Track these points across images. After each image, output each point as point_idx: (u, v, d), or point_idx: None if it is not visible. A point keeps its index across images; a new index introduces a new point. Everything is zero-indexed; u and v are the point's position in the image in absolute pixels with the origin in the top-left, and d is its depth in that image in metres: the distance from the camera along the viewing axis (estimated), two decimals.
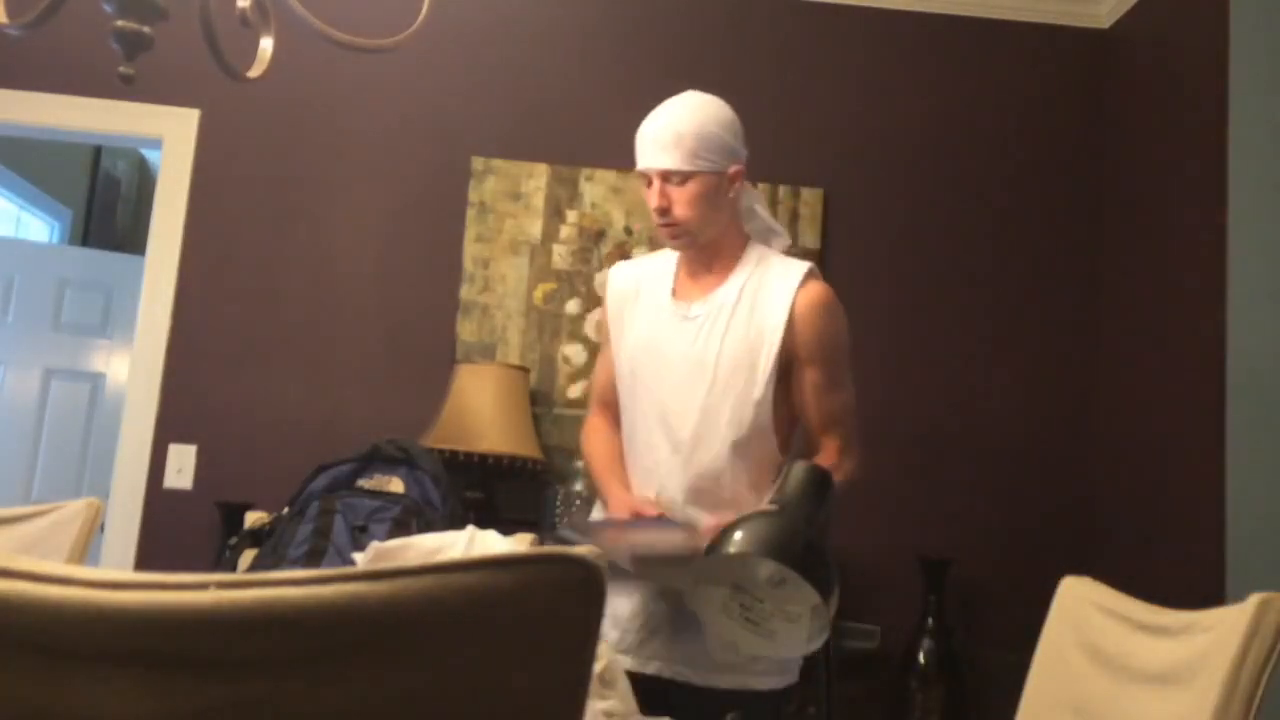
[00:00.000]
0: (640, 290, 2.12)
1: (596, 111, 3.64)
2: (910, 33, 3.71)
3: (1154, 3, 3.45)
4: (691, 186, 1.97)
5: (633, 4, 3.70)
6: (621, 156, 3.71)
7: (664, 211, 1.98)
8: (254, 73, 1.92)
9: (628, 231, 3.57)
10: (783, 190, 3.61)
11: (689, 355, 2.01)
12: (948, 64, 3.72)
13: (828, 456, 2.03)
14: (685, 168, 1.96)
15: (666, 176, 1.97)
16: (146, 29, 1.65)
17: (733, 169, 2.01)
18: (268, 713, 0.69)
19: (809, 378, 2.02)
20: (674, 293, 2.08)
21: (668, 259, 2.15)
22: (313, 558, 1.68)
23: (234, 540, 1.79)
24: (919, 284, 3.63)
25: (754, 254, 2.07)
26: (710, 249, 2.05)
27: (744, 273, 2.04)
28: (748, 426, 1.99)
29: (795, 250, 3.59)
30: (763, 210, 2.17)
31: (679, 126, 1.98)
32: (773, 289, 2.01)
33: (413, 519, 1.74)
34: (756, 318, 2.00)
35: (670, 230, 2.00)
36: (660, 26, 3.70)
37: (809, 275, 2.02)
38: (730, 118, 2.05)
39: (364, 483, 1.80)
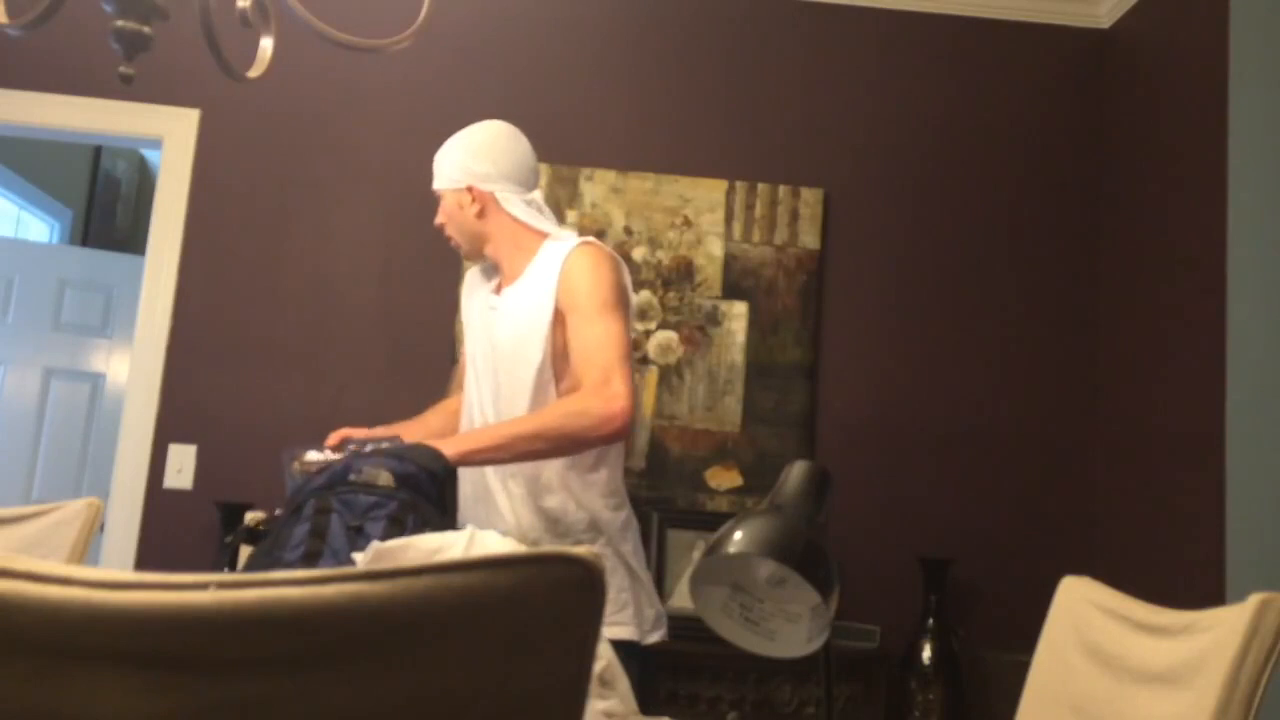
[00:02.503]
0: (473, 291, 2.35)
1: (596, 111, 3.64)
2: (910, 33, 3.71)
3: (1154, 3, 3.45)
4: (445, 203, 2.26)
5: (633, 4, 3.70)
6: (622, 156, 3.73)
7: (441, 228, 2.29)
8: (254, 73, 1.92)
9: (628, 231, 3.57)
10: (783, 190, 3.61)
11: (495, 341, 2.19)
12: (948, 64, 3.72)
13: (566, 399, 2.07)
14: (438, 187, 2.27)
15: (439, 196, 2.28)
16: (146, 29, 1.65)
17: (465, 186, 2.22)
18: (268, 713, 0.69)
19: (570, 325, 2.11)
20: (496, 290, 2.29)
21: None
22: (309, 560, 1.68)
23: (229, 538, 1.80)
24: (919, 284, 3.63)
25: (549, 247, 2.21)
26: (494, 254, 2.26)
27: (537, 262, 2.21)
28: (538, 398, 2.11)
29: (795, 250, 3.60)
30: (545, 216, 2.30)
31: (437, 157, 2.28)
32: (551, 264, 2.16)
33: (409, 514, 1.74)
34: (534, 292, 2.15)
35: (450, 243, 2.29)
36: (661, 27, 3.70)
37: (581, 244, 2.17)
38: (474, 140, 2.24)
39: (353, 477, 1.80)
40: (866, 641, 3.23)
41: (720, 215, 3.58)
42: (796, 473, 1.59)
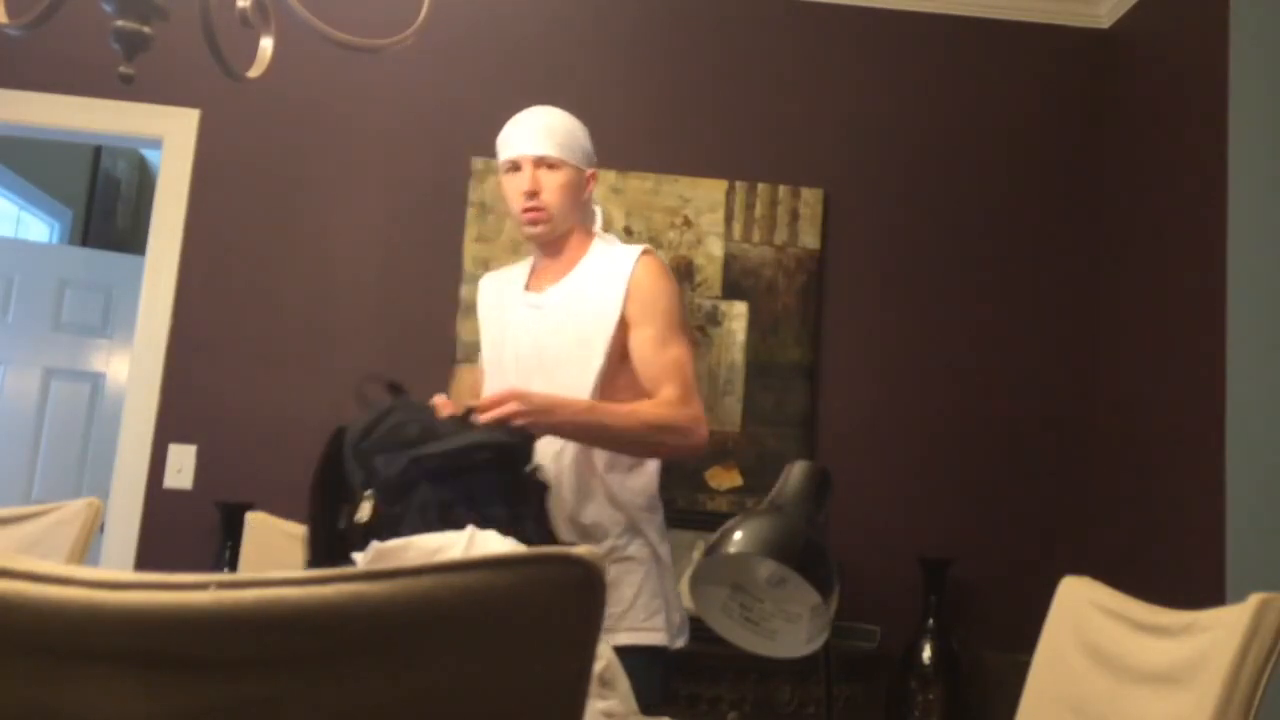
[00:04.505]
0: (500, 293, 2.28)
1: (597, 111, 3.63)
2: (910, 33, 3.71)
3: (1154, 3, 3.45)
4: (560, 175, 2.13)
5: (633, 4, 3.70)
6: (622, 156, 3.72)
7: (533, 195, 2.12)
8: (254, 73, 1.92)
9: (628, 231, 3.57)
10: (783, 190, 3.61)
11: (539, 341, 2.13)
12: (947, 64, 3.72)
13: (658, 405, 2.06)
14: (559, 156, 2.13)
15: (539, 163, 2.13)
16: (146, 29, 1.65)
17: (590, 171, 2.21)
18: (268, 713, 0.69)
19: (642, 337, 2.10)
20: (526, 287, 2.23)
21: (524, 264, 2.32)
22: None
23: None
24: (919, 283, 3.63)
25: (599, 247, 2.21)
26: (559, 243, 2.19)
27: (588, 264, 2.18)
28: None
29: (795, 250, 3.60)
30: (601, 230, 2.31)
31: (551, 123, 2.16)
32: (612, 268, 2.14)
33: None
34: (596, 295, 2.11)
35: (534, 215, 2.13)
36: (660, 27, 3.70)
37: (644, 252, 2.16)
38: (585, 131, 2.23)
39: (533, 471, 1.88)
40: (866, 641, 3.22)
41: (720, 215, 3.58)
42: (796, 473, 1.59)
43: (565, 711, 0.73)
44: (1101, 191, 3.66)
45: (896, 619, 3.29)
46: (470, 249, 3.55)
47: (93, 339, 4.83)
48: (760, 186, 3.60)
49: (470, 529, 1.48)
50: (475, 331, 3.45)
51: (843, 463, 3.30)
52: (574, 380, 2.07)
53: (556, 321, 2.13)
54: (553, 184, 2.13)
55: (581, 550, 0.70)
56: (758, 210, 3.59)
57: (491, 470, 1.79)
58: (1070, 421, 3.57)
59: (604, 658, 1.37)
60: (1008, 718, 1.67)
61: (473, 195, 3.57)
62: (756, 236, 3.58)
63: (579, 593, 0.71)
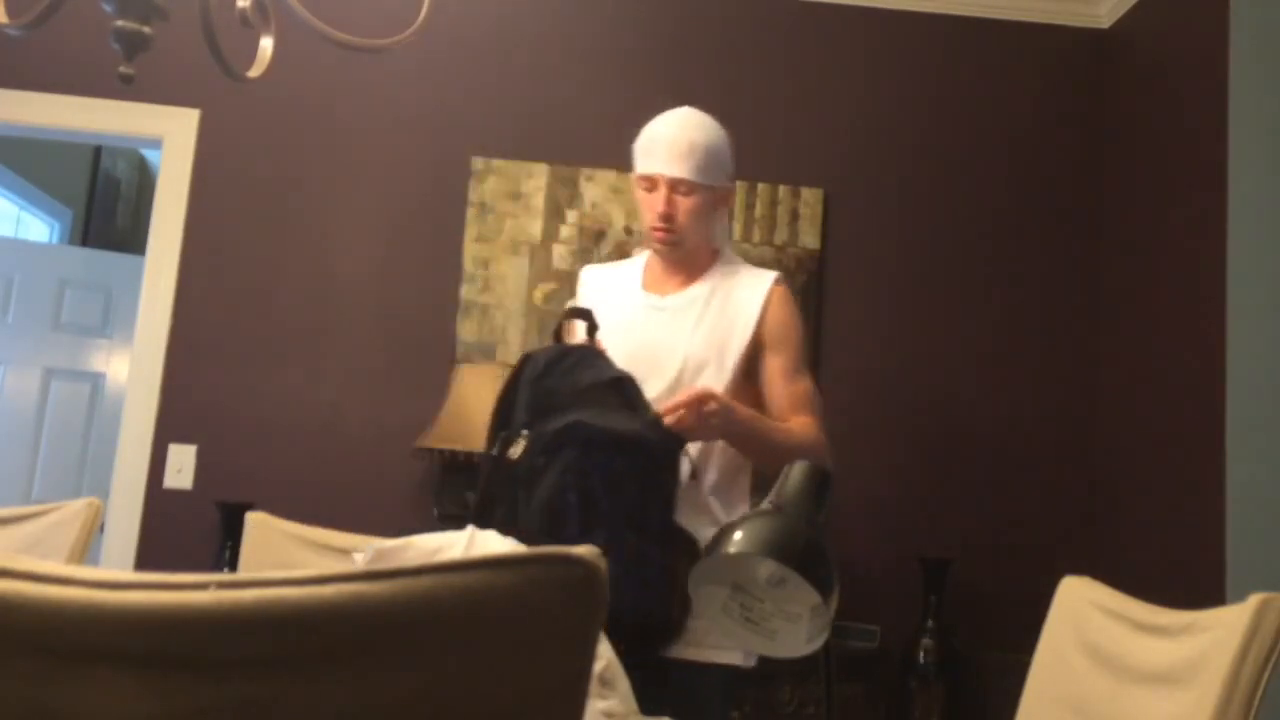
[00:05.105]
0: (609, 288, 2.23)
1: (596, 111, 3.64)
2: (910, 33, 3.71)
3: (1154, 3, 3.45)
4: (696, 198, 2.08)
5: (633, 4, 3.70)
6: (622, 157, 3.70)
7: (669, 218, 2.07)
8: (254, 73, 1.92)
9: (628, 231, 3.57)
10: (783, 190, 3.61)
11: (660, 342, 2.11)
12: (948, 64, 3.72)
13: (804, 426, 2.11)
14: (697, 179, 2.07)
15: (675, 185, 2.07)
16: (146, 29, 1.65)
17: (727, 189, 2.17)
18: (268, 713, 0.69)
19: (776, 364, 2.12)
20: (644, 286, 2.20)
21: (634, 262, 2.28)
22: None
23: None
24: (919, 284, 3.63)
25: (725, 262, 2.21)
26: (687, 255, 2.17)
27: (715, 275, 2.17)
28: None
29: (795, 250, 3.60)
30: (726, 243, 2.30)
31: (694, 140, 2.07)
32: (746, 287, 2.14)
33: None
34: (729, 310, 2.12)
35: (664, 236, 2.10)
36: (660, 26, 3.70)
37: (778, 281, 2.17)
38: (728, 141, 2.16)
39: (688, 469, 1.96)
40: (866, 641, 3.23)
41: None
42: (796, 473, 1.59)
43: (565, 711, 0.73)
44: (1101, 191, 3.66)
45: (896, 619, 3.29)
46: (470, 249, 3.55)
47: (93, 339, 4.83)
48: (760, 186, 3.60)
49: (470, 529, 1.48)
50: (475, 332, 3.51)
51: (843, 463, 3.30)
52: (703, 382, 2.07)
53: (681, 326, 2.12)
54: (687, 207, 2.09)
55: (582, 550, 0.70)
56: (758, 210, 3.59)
57: (639, 456, 1.83)
58: (1070, 421, 3.57)
59: (604, 658, 1.37)
60: (1008, 718, 1.67)
61: (473, 195, 3.57)
62: (757, 236, 3.58)
63: (579, 593, 0.71)
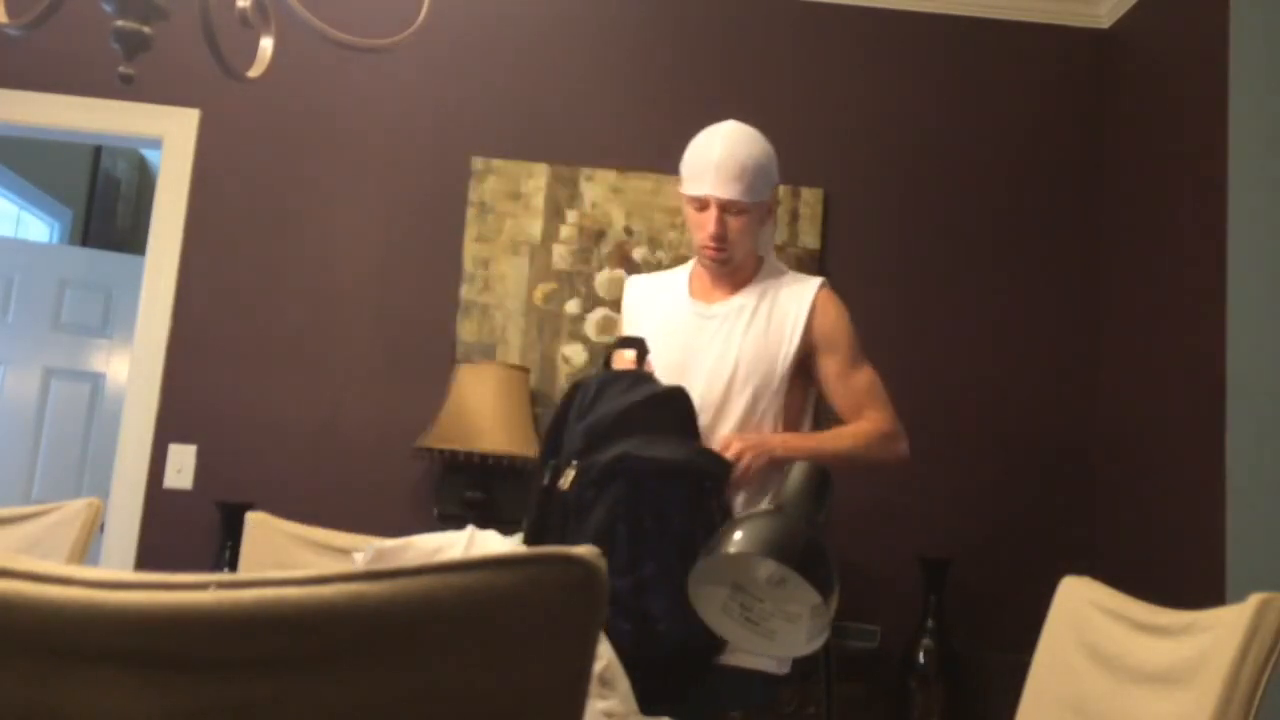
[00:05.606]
0: (655, 296, 2.26)
1: (596, 111, 3.64)
2: (910, 33, 3.71)
3: (1154, 3, 3.45)
4: (746, 217, 2.12)
5: (633, 4, 3.70)
6: (622, 156, 3.73)
7: (720, 238, 2.11)
8: (254, 73, 1.92)
9: (628, 231, 3.57)
10: (783, 190, 3.60)
11: (710, 350, 2.13)
12: (948, 64, 3.72)
13: (888, 430, 2.18)
14: (747, 200, 2.10)
15: (727, 206, 2.10)
16: (146, 29, 1.65)
17: (772, 200, 2.20)
18: (268, 713, 0.69)
19: (831, 366, 2.17)
20: (691, 295, 2.22)
21: (680, 271, 2.31)
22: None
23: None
24: (919, 284, 3.63)
25: (769, 268, 2.24)
26: (736, 269, 2.21)
27: (761, 282, 2.20)
28: (759, 417, 2.11)
29: (795, 250, 3.60)
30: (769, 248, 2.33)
31: (745, 162, 2.09)
32: (792, 293, 2.18)
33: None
34: (777, 316, 2.15)
35: (715, 254, 2.13)
36: (660, 26, 3.69)
37: (825, 286, 2.22)
38: (773, 153, 2.17)
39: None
40: (866, 641, 3.22)
41: None
42: (796, 473, 1.59)
43: (565, 711, 0.73)
44: (1101, 191, 3.66)
45: (896, 619, 3.29)
46: (470, 249, 3.55)
47: (93, 339, 4.83)
48: None
49: (470, 529, 1.48)
50: (475, 332, 3.51)
51: None
52: (743, 394, 2.11)
53: (731, 333, 2.15)
54: (738, 226, 2.12)
55: (582, 550, 0.70)
56: None
57: (684, 485, 1.86)
58: (1070, 421, 3.57)
59: (604, 658, 1.37)
60: (1008, 718, 1.67)
61: (473, 195, 3.57)
62: None
63: (579, 593, 0.71)
